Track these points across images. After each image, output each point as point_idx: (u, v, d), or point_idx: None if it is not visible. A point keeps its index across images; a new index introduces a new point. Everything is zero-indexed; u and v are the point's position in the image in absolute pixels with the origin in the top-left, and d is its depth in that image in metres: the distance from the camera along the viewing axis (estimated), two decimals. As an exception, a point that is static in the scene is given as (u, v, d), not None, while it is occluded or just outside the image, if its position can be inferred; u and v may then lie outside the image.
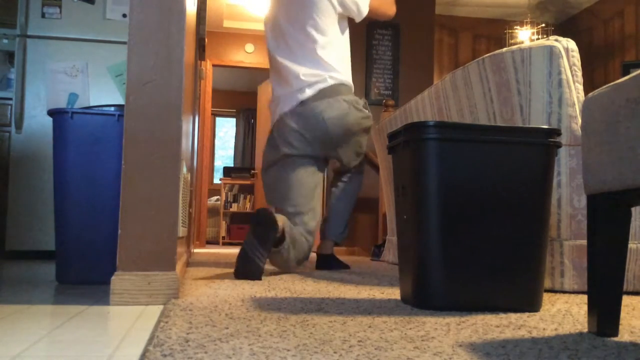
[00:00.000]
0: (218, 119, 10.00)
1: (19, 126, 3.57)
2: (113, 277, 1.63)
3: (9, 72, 4.10)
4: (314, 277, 2.56)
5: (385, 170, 4.04)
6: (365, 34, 5.49)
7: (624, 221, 1.25)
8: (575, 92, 2.17)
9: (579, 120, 2.17)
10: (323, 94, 2.83)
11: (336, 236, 3.17)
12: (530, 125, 2.12)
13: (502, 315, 1.53)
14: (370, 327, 1.29)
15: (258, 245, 2.42)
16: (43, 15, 3.66)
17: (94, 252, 2.09)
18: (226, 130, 10.36)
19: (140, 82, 1.70)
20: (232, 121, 10.08)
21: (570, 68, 2.18)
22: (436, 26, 6.42)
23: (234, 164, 9.79)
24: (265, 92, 7.67)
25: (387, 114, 4.40)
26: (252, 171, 8.06)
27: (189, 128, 3.06)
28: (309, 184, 2.91)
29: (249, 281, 2.30)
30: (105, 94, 3.69)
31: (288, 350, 1.01)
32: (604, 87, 1.25)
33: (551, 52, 2.15)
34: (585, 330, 1.32)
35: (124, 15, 3.74)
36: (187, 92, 2.33)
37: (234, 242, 8.46)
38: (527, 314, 1.56)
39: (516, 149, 1.62)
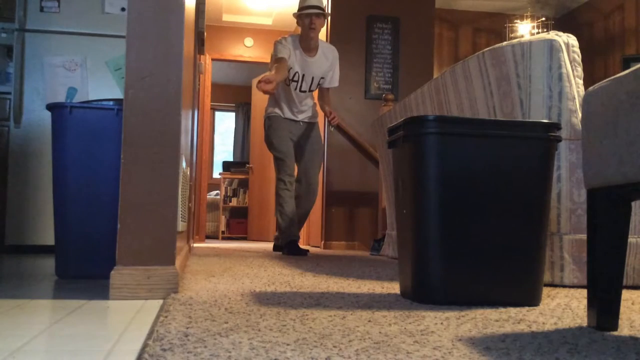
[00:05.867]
0: (217, 113, 9.99)
1: (17, 121, 3.57)
2: (112, 272, 1.62)
3: (7, 67, 4.09)
4: (313, 272, 2.56)
5: (384, 165, 4.04)
6: (365, 28, 5.47)
7: (623, 215, 1.25)
8: (576, 86, 2.17)
9: (579, 115, 2.16)
10: None
11: None
12: (530, 120, 2.12)
13: (502, 309, 1.53)
14: (369, 321, 1.29)
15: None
16: (42, 9, 3.64)
17: (94, 247, 2.09)
18: (226, 124, 10.35)
19: (139, 76, 1.69)
20: (231, 115, 10.06)
21: (571, 63, 2.18)
22: (436, 20, 6.40)
23: (234, 158, 9.77)
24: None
25: (386, 108, 4.39)
26: (247, 165, 8.03)
27: (188, 122, 3.05)
28: None
29: (248, 275, 2.30)
30: (104, 88, 3.68)
31: (287, 345, 1.01)
32: (605, 81, 1.25)
33: (551, 46, 2.14)
34: (585, 324, 1.32)
35: (123, 9, 3.73)
36: (186, 86, 2.32)
37: (234, 237, 8.46)
38: (526, 308, 1.56)
39: (516, 144, 1.62)
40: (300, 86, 4.08)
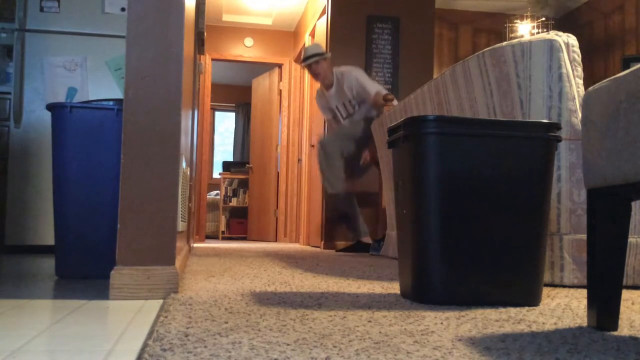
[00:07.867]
0: (217, 113, 9.99)
1: (17, 121, 3.57)
2: (112, 272, 1.63)
3: (7, 67, 4.09)
4: (313, 272, 2.56)
5: (385, 165, 4.04)
6: (365, 28, 5.47)
7: (623, 215, 1.25)
8: (576, 86, 2.17)
9: (579, 114, 2.16)
10: None
11: None
12: (530, 120, 2.12)
13: (502, 309, 1.53)
14: (369, 321, 1.29)
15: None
16: (41, 9, 3.64)
17: (94, 247, 2.09)
18: (226, 124, 10.35)
19: (139, 76, 1.69)
20: (231, 115, 10.06)
21: (571, 63, 2.18)
22: (436, 20, 6.40)
23: (234, 158, 9.77)
24: (260, 85, 7.65)
25: (387, 108, 4.39)
26: (247, 165, 8.04)
27: (188, 122, 3.05)
28: None
29: (248, 275, 2.30)
30: (104, 88, 3.68)
31: (288, 345, 1.01)
32: (605, 81, 1.25)
33: (551, 46, 2.14)
34: (585, 324, 1.32)
35: (123, 9, 3.73)
36: (186, 86, 2.32)
37: (234, 237, 8.46)
38: (526, 308, 1.56)
39: (516, 144, 1.62)
40: (342, 115, 4.64)
